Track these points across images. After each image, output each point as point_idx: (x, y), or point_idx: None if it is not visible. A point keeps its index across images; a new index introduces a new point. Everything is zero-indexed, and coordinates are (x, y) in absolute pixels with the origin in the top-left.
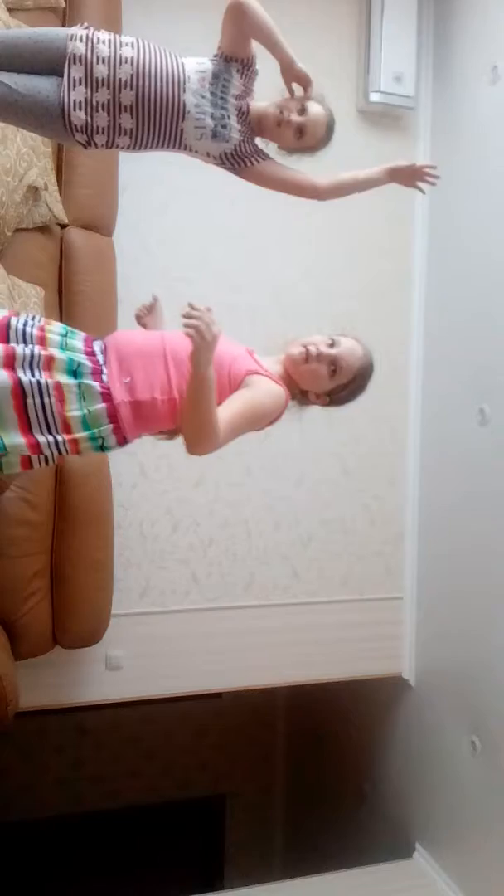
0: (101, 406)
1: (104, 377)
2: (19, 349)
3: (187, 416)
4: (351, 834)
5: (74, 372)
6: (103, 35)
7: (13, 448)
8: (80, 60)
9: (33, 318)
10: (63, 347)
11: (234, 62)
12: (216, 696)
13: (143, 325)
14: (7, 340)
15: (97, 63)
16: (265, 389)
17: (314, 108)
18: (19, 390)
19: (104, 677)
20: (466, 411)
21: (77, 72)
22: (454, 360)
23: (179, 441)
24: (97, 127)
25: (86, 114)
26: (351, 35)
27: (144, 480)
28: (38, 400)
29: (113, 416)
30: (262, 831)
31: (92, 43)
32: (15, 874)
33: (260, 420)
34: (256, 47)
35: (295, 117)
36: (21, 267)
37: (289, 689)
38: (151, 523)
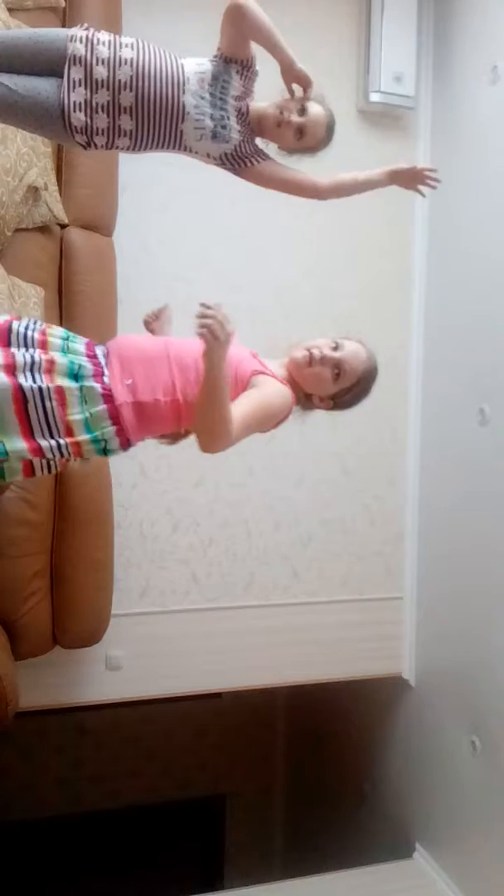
0: (102, 408)
1: (105, 379)
2: (20, 354)
3: (201, 414)
4: (351, 834)
5: (76, 375)
6: (103, 36)
7: (14, 453)
8: (79, 62)
9: (35, 323)
10: (65, 351)
11: (233, 63)
12: (216, 696)
13: (151, 331)
14: (8, 344)
15: (97, 64)
16: (273, 389)
17: (314, 109)
18: (20, 395)
19: (104, 677)
20: (466, 411)
21: (77, 73)
22: (454, 360)
23: (180, 442)
24: (97, 128)
25: (85, 115)
26: (351, 35)
27: (144, 480)
28: (39, 404)
29: (115, 417)
30: (262, 831)
31: (92, 44)
32: (15, 874)
33: (269, 420)
34: (256, 48)
35: (295, 118)
36: (21, 267)
37: (289, 689)
38: (151, 523)
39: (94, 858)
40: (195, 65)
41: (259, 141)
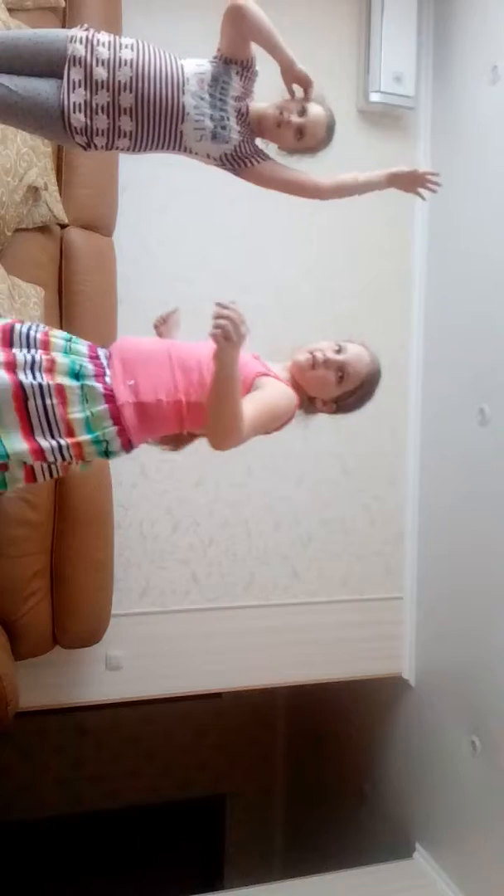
0: (103, 407)
1: (107, 379)
2: (20, 353)
3: (215, 411)
4: (351, 834)
5: (77, 374)
6: (103, 37)
7: (15, 455)
8: (79, 62)
9: (38, 326)
10: (67, 352)
11: (233, 64)
12: (216, 696)
13: (159, 335)
14: (10, 345)
15: (97, 65)
16: (278, 391)
17: (314, 109)
18: (20, 392)
19: (104, 677)
20: (466, 411)
21: (77, 74)
22: (454, 360)
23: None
24: (97, 129)
25: (85, 116)
26: (351, 35)
27: (144, 480)
28: (39, 402)
29: (116, 417)
30: (262, 831)
31: (92, 45)
32: (15, 874)
33: (275, 421)
34: (256, 48)
35: (295, 118)
36: (21, 267)
37: (289, 689)
38: (151, 523)
39: (94, 858)
40: (195, 66)
41: (259, 141)
